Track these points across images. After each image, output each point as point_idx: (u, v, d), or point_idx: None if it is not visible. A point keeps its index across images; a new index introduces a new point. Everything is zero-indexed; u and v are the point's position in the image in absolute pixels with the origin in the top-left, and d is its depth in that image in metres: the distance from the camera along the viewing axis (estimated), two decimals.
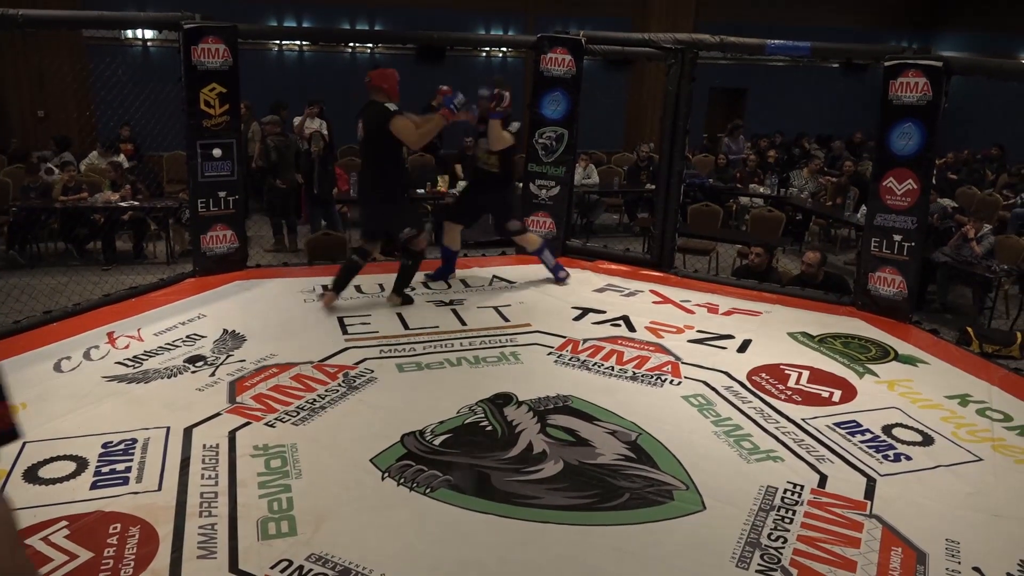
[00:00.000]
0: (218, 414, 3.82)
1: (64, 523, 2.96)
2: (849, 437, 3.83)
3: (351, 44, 12.00)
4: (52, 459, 3.38)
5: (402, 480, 3.33)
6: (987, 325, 6.62)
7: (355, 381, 4.24)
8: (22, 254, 7.83)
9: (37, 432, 3.59)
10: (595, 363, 4.60)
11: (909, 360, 4.85)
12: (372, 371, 4.38)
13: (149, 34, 10.65)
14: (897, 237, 5.41)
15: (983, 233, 7.19)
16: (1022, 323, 6.40)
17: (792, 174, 10.48)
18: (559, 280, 6.03)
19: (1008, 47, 13.43)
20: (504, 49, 12.63)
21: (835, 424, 3.96)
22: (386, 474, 3.38)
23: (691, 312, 5.54)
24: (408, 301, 5.46)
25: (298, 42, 11.75)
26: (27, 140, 10.40)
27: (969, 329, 6.04)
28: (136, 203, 8.09)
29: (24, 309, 5.69)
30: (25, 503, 3.07)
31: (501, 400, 4.07)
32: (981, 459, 3.69)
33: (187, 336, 4.79)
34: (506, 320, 5.23)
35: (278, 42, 11.68)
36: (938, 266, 7.17)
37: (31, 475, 3.27)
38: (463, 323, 5.18)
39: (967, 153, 12.10)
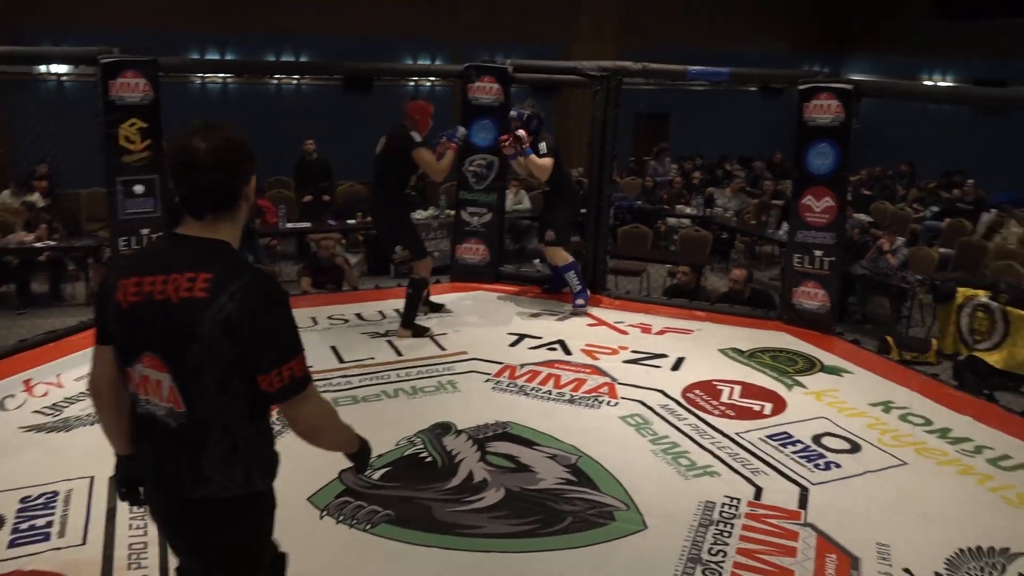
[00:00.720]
0: None
1: None
2: (781, 448, 3.93)
3: (276, 75, 11.89)
4: None
5: (341, 517, 3.27)
6: (905, 333, 6.90)
7: None
8: None
9: None
10: (533, 388, 4.61)
11: (834, 370, 5.02)
12: None
13: (64, 68, 10.34)
14: (818, 252, 5.61)
15: (897, 246, 7.51)
16: (936, 330, 6.70)
17: (716, 193, 10.78)
18: (575, 307, 5.94)
19: (914, 70, 14.17)
20: (432, 77, 12.70)
21: (768, 436, 4.06)
22: (324, 512, 3.31)
23: (625, 333, 5.62)
24: (420, 333, 5.40)
25: (222, 74, 11.57)
26: None
27: (888, 338, 6.29)
28: (52, 243, 7.78)
29: None
30: None
31: (440, 430, 4.04)
32: (906, 463, 3.84)
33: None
34: (442, 349, 5.21)
35: (201, 75, 11.48)
36: (857, 278, 7.45)
37: None
38: (399, 353, 5.14)
39: (879, 170, 12.66)
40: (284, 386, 1.75)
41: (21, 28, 10.10)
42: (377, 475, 3.59)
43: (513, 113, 5.78)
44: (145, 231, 5.66)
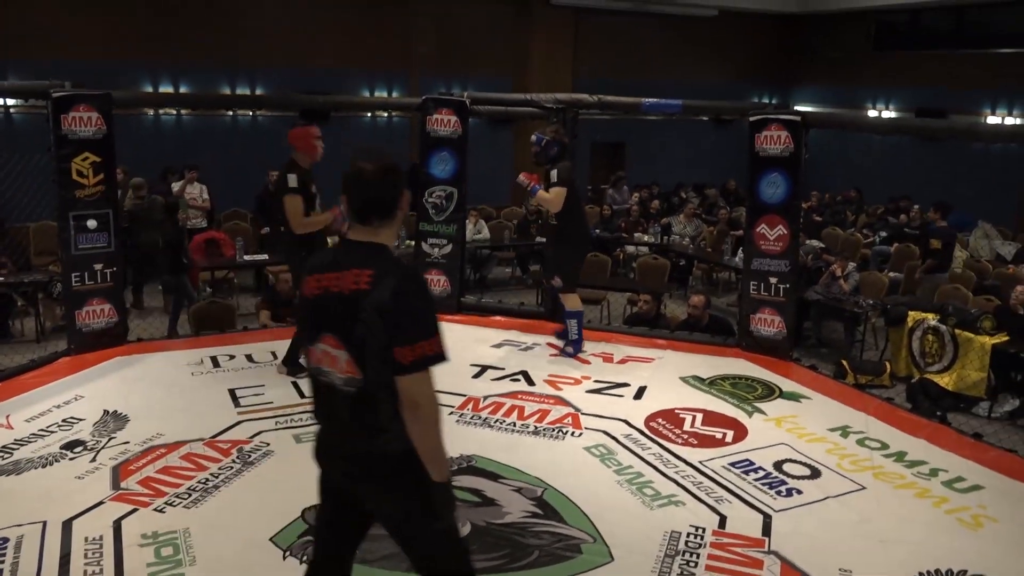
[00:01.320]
0: (101, 503, 3.59)
1: None
2: (744, 476, 3.98)
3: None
4: None
5: (305, 557, 3.21)
6: (859, 357, 7.06)
7: (250, 456, 4.08)
8: None
9: None
10: (497, 420, 4.61)
11: (793, 396, 5.11)
12: (268, 443, 4.23)
13: (11, 100, 10.11)
14: (773, 280, 5.73)
15: (849, 271, 7.71)
16: (889, 353, 6.87)
17: (672, 221, 10.96)
18: (564, 351, 5.73)
19: (858, 98, 14.64)
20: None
21: (730, 464, 4.11)
22: (288, 552, 3.25)
23: (587, 362, 5.65)
24: (299, 370, 5.13)
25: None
26: None
27: (844, 362, 6.44)
28: (0, 279, 7.57)
29: None
30: None
31: None
32: (864, 487, 3.92)
33: (63, 420, 4.49)
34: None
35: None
36: (811, 304, 7.62)
37: None
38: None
39: (828, 196, 13.01)
40: (415, 359, 2.10)
41: None
42: None
43: (533, 137, 5.58)
44: (99, 266, 5.56)
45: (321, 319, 2.21)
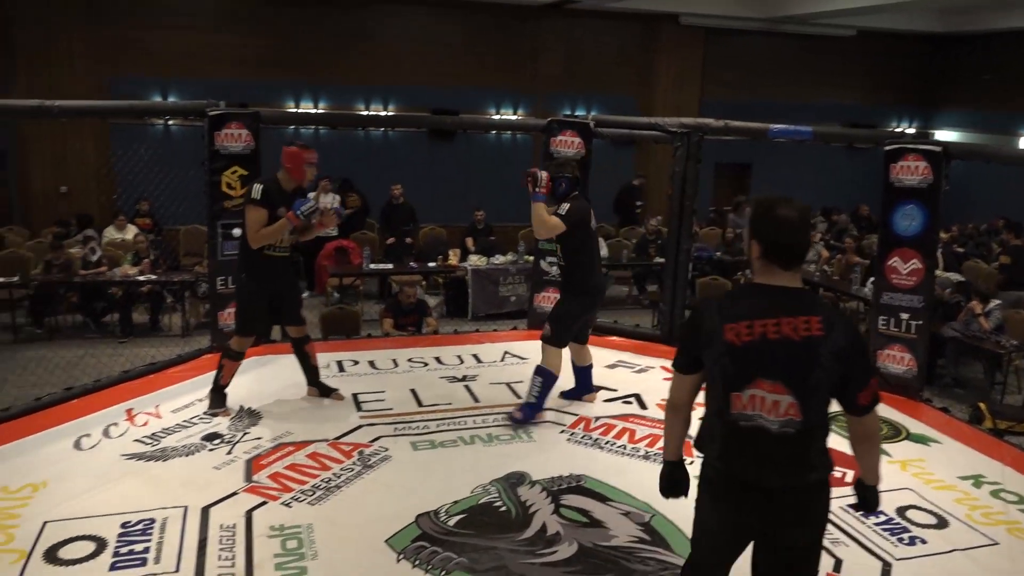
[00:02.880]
0: (235, 493, 3.86)
1: None
2: (863, 519, 3.82)
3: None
4: (72, 539, 3.42)
5: (417, 562, 3.35)
6: (1000, 400, 6.62)
7: (370, 460, 4.28)
8: (39, 326, 7.97)
9: (57, 511, 3.64)
10: (607, 441, 4.63)
11: (921, 439, 4.86)
12: (387, 449, 4.43)
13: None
14: (904, 315, 5.48)
15: (991, 308, 7.24)
16: None
17: None
18: (512, 416, 4.88)
19: (1008, 124, 13.71)
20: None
21: (849, 506, 3.93)
22: (401, 556, 3.40)
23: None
24: (217, 404, 4.87)
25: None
26: (49, 215, 10.67)
27: (981, 405, 6.05)
28: (154, 276, 8.25)
29: (40, 382, 5.79)
30: None
31: (515, 479, 4.10)
32: (997, 543, 3.69)
33: (204, 413, 4.85)
34: (518, 397, 5.26)
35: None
36: (947, 341, 7.21)
37: (51, 556, 3.31)
38: (476, 399, 5.23)
39: (971, 227, 12.24)
40: (872, 399, 2.34)
41: (126, 79, 10.87)
42: (452, 521, 3.67)
43: (540, 174, 4.78)
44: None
45: (756, 365, 2.25)
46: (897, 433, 4.93)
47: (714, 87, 13.49)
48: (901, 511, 3.92)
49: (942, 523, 3.83)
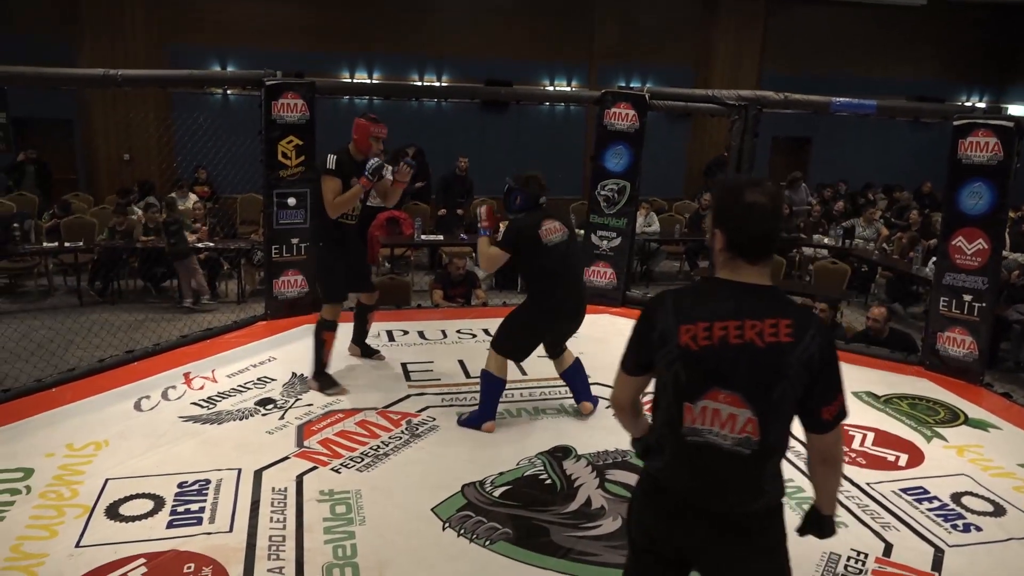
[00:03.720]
0: (286, 458, 3.96)
1: (142, 560, 3.11)
2: (916, 504, 3.75)
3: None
4: (132, 496, 3.56)
5: (462, 531, 3.39)
6: None
7: (417, 429, 4.34)
8: (104, 291, 8.24)
9: (119, 469, 3.78)
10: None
11: (980, 424, 4.72)
12: (434, 419, 4.48)
13: None
14: (967, 297, 5.30)
15: None
16: None
17: (855, 223, 10.35)
18: (460, 418, 4.50)
19: None
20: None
21: (901, 490, 3.88)
22: (447, 524, 3.45)
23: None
24: (327, 385, 4.83)
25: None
26: (112, 182, 10.98)
27: None
28: (212, 244, 8.44)
29: (103, 344, 5.99)
30: (106, 539, 3.24)
31: (560, 453, 4.12)
32: None
33: (258, 379, 4.98)
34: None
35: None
36: (1012, 324, 6.96)
37: (113, 512, 3.45)
38: (523, 372, 5.24)
39: None
40: (837, 415, 2.00)
41: (185, 48, 11.06)
42: (497, 492, 3.70)
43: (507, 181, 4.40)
44: (295, 240, 6.07)
45: (714, 374, 1.95)
46: (955, 417, 4.80)
47: (774, 60, 13.13)
48: (956, 497, 3.82)
49: (999, 511, 3.73)
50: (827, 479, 2.13)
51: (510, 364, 4.42)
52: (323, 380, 4.84)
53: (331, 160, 4.61)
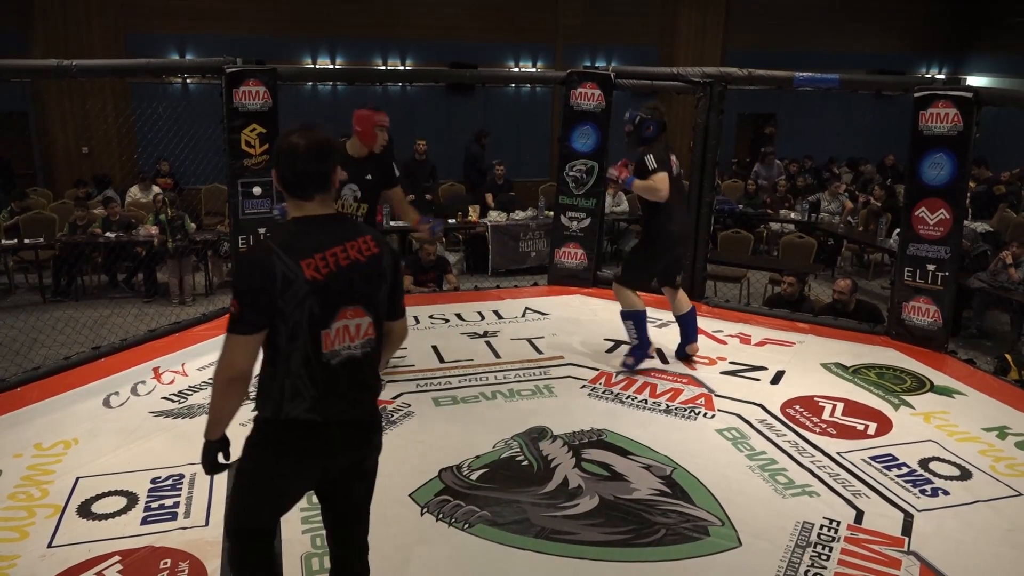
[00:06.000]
0: None
1: (117, 558, 3.07)
2: (885, 471, 3.82)
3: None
4: (104, 494, 3.51)
5: (440, 515, 3.40)
6: None
7: (393, 416, 4.33)
8: (68, 288, 8.08)
9: (89, 467, 3.73)
10: (628, 396, 4.64)
11: (945, 391, 4.82)
12: (409, 405, 4.47)
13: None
14: (931, 267, 5.40)
15: (1022, 259, 7.11)
16: None
17: (820, 197, 10.47)
18: (624, 365, 4.98)
19: None
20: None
21: (871, 458, 3.96)
22: (425, 509, 3.45)
23: (723, 343, 5.56)
24: None
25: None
26: (72, 176, 10.74)
27: (1007, 356, 5.97)
28: (177, 236, 8.30)
29: (69, 341, 5.88)
30: (79, 538, 3.20)
31: (536, 434, 4.13)
32: (1021, 493, 3.67)
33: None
34: (539, 352, 5.29)
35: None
36: (974, 292, 7.10)
37: (85, 510, 3.40)
38: (497, 355, 5.26)
39: (1009, 174, 11.90)
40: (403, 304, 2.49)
41: (144, 37, 10.82)
42: (475, 476, 3.71)
43: (626, 115, 4.87)
44: (262, 230, 5.97)
45: (337, 296, 2.20)
46: (921, 385, 4.90)
47: (737, 37, 13.18)
48: (924, 463, 3.91)
49: (965, 475, 3.82)
50: (388, 353, 2.53)
51: (484, 348, 4.46)
52: None
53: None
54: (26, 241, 8.12)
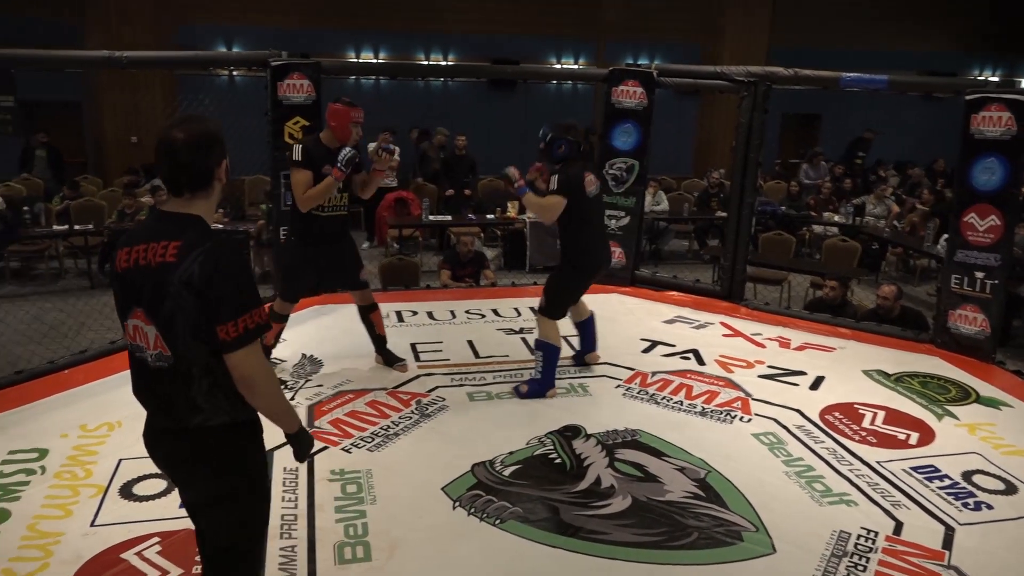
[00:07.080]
0: None
1: (156, 539, 3.14)
2: (927, 483, 3.74)
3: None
4: (145, 476, 3.58)
5: (472, 510, 3.41)
6: None
7: (427, 409, 4.36)
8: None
9: (132, 450, 3.79)
10: (664, 397, 4.61)
11: (991, 402, 4.70)
12: (444, 399, 4.49)
13: None
14: (979, 274, 5.26)
15: None
16: None
17: (866, 201, 10.28)
18: (518, 390, 4.61)
19: None
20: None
21: (912, 468, 3.87)
22: (457, 503, 3.46)
23: (762, 346, 5.49)
24: (394, 360, 4.91)
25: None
26: (121, 165, 11.00)
27: None
28: (220, 226, 8.45)
29: (115, 326, 5.97)
30: (121, 519, 3.27)
31: (570, 432, 4.12)
32: None
33: (270, 360, 4.99)
34: (574, 349, 5.27)
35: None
36: None
37: (126, 491, 3.48)
38: (533, 353, 5.24)
39: None
40: (239, 335, 2.06)
41: (193, 28, 11.02)
42: (507, 472, 3.72)
43: (540, 132, 4.58)
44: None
45: (131, 293, 2.12)
46: (966, 395, 4.78)
47: (783, 36, 12.98)
48: (967, 476, 3.81)
49: (1010, 489, 3.72)
50: (254, 402, 2.16)
51: (520, 344, 4.44)
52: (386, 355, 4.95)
53: (298, 151, 4.33)
54: (76, 227, 8.33)
